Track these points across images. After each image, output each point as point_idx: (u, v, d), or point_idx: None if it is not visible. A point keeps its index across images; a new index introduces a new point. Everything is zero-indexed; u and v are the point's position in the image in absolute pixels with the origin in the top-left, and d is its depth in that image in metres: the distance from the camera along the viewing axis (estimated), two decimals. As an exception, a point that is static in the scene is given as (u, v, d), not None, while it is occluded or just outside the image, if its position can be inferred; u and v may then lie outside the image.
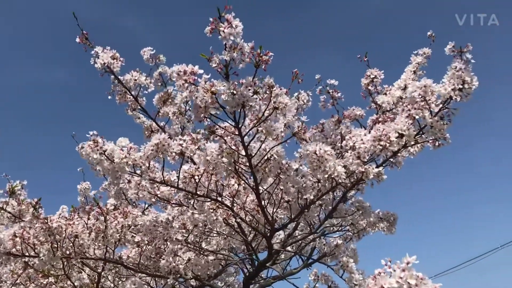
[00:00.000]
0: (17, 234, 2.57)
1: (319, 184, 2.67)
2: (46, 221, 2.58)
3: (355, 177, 2.63)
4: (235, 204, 2.81)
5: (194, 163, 2.82)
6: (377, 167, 2.64)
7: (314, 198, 2.64)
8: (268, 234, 2.79)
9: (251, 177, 2.59)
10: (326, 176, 2.46)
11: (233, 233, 3.28)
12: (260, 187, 2.56)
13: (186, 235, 3.22)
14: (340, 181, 2.46)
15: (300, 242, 3.41)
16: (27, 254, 2.71)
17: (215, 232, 3.39)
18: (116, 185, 3.85)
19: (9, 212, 3.33)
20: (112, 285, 4.01)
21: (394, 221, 3.41)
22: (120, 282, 3.96)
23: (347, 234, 3.58)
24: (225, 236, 3.36)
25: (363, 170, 2.51)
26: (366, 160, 2.49)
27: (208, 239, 3.71)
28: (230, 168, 2.46)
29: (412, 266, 1.70)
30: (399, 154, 2.80)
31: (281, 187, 2.58)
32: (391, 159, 2.82)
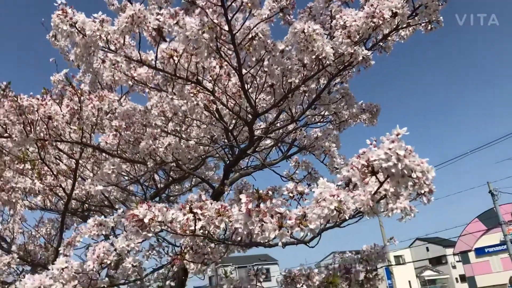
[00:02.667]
0: (-15, 113, 2.43)
1: (304, 68, 2.56)
2: (16, 99, 2.43)
3: (343, 61, 2.52)
4: (216, 89, 2.69)
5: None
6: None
7: (299, 82, 2.54)
8: (250, 120, 2.72)
9: (235, 58, 2.45)
10: (314, 57, 2.34)
11: (214, 121, 3.21)
12: (243, 69, 2.43)
13: (166, 123, 3.14)
14: (328, 62, 2.34)
15: (281, 132, 3.37)
16: (-2, 134, 2.59)
17: (195, 121, 3.32)
18: (89, 67, 3.67)
19: (-23, 95, 3.15)
20: (91, 174, 3.98)
21: (377, 112, 3.39)
22: (99, 171, 3.93)
23: (327, 127, 3.56)
24: (205, 124, 3.29)
25: (352, 51, 2.39)
26: (356, 41, 2.37)
27: (188, 130, 3.65)
28: (211, 46, 2.30)
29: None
30: (389, 38, 2.67)
31: (266, 69, 2.46)
32: (381, 43, 2.70)
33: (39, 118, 2.63)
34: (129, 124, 2.94)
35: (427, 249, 40.62)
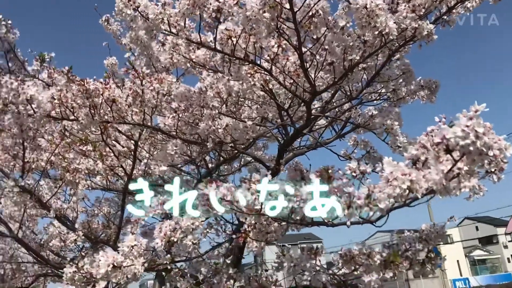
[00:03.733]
0: (55, 97, 2.53)
1: (365, 45, 2.50)
2: (82, 83, 2.52)
3: (404, 36, 2.45)
4: (273, 68, 2.68)
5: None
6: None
7: (360, 59, 2.49)
8: (308, 98, 2.70)
9: (294, 36, 2.43)
10: (376, 33, 2.28)
11: (267, 101, 3.20)
12: (303, 47, 2.41)
13: (221, 104, 3.16)
14: (391, 37, 2.28)
15: (337, 111, 3.33)
16: (66, 118, 2.70)
17: (250, 100, 3.34)
18: (144, 50, 3.74)
19: (42, 81, 3.29)
20: (147, 154, 4.10)
21: (436, 89, 3.28)
22: (155, 152, 4.03)
23: (383, 105, 3.48)
24: (259, 104, 3.29)
25: (416, 26, 2.31)
26: (420, 15, 2.29)
27: (240, 111, 3.67)
28: (272, 25, 2.28)
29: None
30: (454, 10, 2.56)
31: (326, 47, 2.42)
32: (445, 16, 2.59)
33: (103, 101, 2.71)
34: (187, 106, 2.98)
35: (477, 229, 39.51)
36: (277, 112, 3.14)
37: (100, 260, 2.24)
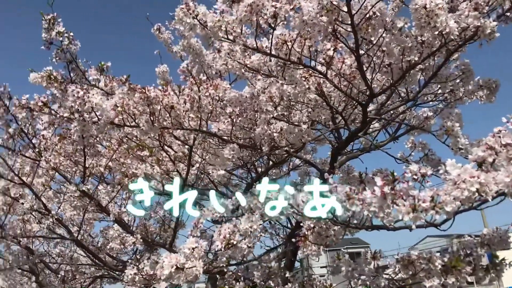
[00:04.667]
0: (117, 104, 2.64)
1: (423, 45, 2.45)
2: (144, 90, 2.61)
3: (464, 36, 2.38)
4: (328, 71, 2.68)
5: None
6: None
7: (418, 60, 2.44)
8: (365, 101, 2.68)
9: (350, 39, 2.42)
10: (436, 33, 2.24)
11: (319, 104, 3.20)
12: (360, 50, 2.39)
13: (274, 108, 3.19)
14: (451, 37, 2.23)
15: (391, 113, 3.28)
16: (127, 124, 2.80)
17: (302, 104, 3.34)
18: (196, 57, 3.83)
19: (101, 89, 3.43)
20: (200, 159, 4.18)
21: (496, 89, 3.16)
22: (207, 156, 4.11)
23: (437, 107, 3.39)
24: (312, 108, 3.30)
25: (479, 24, 2.25)
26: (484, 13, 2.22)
27: (291, 115, 3.68)
28: (329, 28, 2.29)
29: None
30: (519, 7, 2.47)
31: (384, 48, 2.40)
32: (508, 13, 2.50)
33: (161, 107, 2.80)
34: (242, 111, 3.03)
35: (536, 233, 37.54)
36: (329, 115, 3.13)
37: (163, 262, 2.30)
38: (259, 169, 5.02)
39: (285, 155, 4.00)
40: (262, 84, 3.38)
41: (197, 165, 4.21)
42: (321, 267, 11.35)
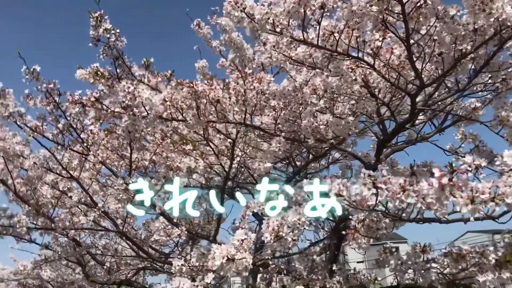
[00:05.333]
0: (166, 99, 2.68)
1: (475, 33, 2.38)
2: (192, 85, 2.65)
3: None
4: (376, 62, 2.64)
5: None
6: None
7: (471, 49, 2.38)
8: (414, 91, 2.63)
9: (400, 29, 2.38)
10: (492, 20, 2.16)
11: (364, 96, 3.16)
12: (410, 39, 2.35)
13: (318, 100, 3.17)
14: (508, 24, 2.15)
15: (439, 104, 3.21)
16: (175, 119, 2.85)
17: (345, 96, 3.31)
18: (237, 51, 3.84)
19: (147, 84, 3.50)
20: (240, 153, 4.21)
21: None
22: (248, 150, 4.13)
23: (486, 97, 3.29)
24: (355, 100, 3.26)
25: (537, 10, 2.16)
26: (543, -3, 2.14)
27: (334, 107, 3.66)
28: (379, 18, 2.25)
29: None
30: None
31: (435, 37, 2.34)
32: None
33: (207, 101, 2.83)
34: (286, 103, 3.02)
35: None
36: (375, 107, 3.08)
37: (214, 253, 2.33)
38: (298, 163, 5.02)
39: (326, 148, 3.98)
40: (304, 76, 3.37)
41: (238, 158, 4.25)
42: (357, 262, 11.23)
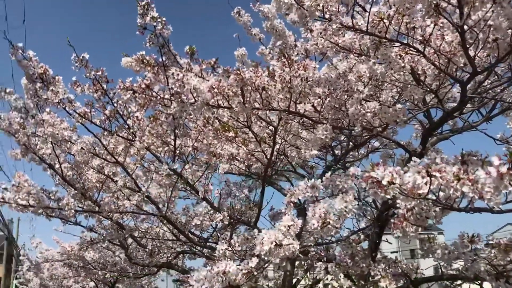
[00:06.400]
0: (214, 86, 2.72)
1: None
2: (239, 72, 2.67)
3: None
4: (426, 48, 2.59)
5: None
6: None
7: (529, 34, 2.30)
8: (466, 79, 2.57)
9: (453, 14, 2.32)
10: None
11: (411, 84, 3.11)
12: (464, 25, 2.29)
13: (363, 88, 3.14)
14: None
15: (488, 92, 3.12)
16: (221, 106, 2.88)
17: (389, 83, 3.27)
18: (279, 38, 3.84)
19: (192, 72, 3.55)
20: (280, 141, 4.23)
21: None
22: (288, 137, 4.14)
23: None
24: (401, 88, 3.21)
25: None
26: None
27: (378, 95, 3.62)
28: (433, 3, 2.20)
29: None
30: None
31: (491, 23, 2.28)
32: None
33: (253, 89, 2.85)
34: (331, 91, 3.01)
35: None
36: (422, 94, 3.03)
37: (263, 238, 2.37)
38: (337, 152, 5.00)
39: (368, 136, 3.94)
40: (348, 64, 3.34)
41: (277, 146, 4.27)
42: (391, 252, 11.13)
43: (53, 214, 4.48)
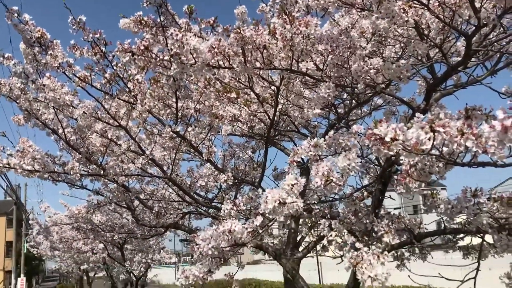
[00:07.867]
0: (213, 46, 2.68)
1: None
2: (239, 31, 2.62)
3: None
4: (431, 1, 2.52)
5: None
6: None
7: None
8: (470, 32, 2.51)
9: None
10: None
11: (414, 38, 3.04)
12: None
13: (365, 44, 3.09)
14: None
15: (494, 45, 3.06)
16: (222, 66, 2.84)
17: (393, 38, 3.21)
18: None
19: (191, 32, 3.48)
20: (282, 101, 4.21)
21: None
22: (290, 97, 4.12)
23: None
24: (404, 43, 3.15)
25: None
26: None
27: (381, 50, 3.56)
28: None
29: None
30: None
31: (498, -28, 2.20)
32: None
33: (254, 48, 2.80)
34: (334, 48, 2.96)
35: None
36: (426, 49, 2.97)
37: (267, 197, 2.40)
38: (340, 110, 4.97)
39: (371, 94, 3.91)
40: (350, 19, 3.27)
41: (280, 106, 4.25)
42: (394, 208, 11.28)
43: (59, 178, 4.54)
